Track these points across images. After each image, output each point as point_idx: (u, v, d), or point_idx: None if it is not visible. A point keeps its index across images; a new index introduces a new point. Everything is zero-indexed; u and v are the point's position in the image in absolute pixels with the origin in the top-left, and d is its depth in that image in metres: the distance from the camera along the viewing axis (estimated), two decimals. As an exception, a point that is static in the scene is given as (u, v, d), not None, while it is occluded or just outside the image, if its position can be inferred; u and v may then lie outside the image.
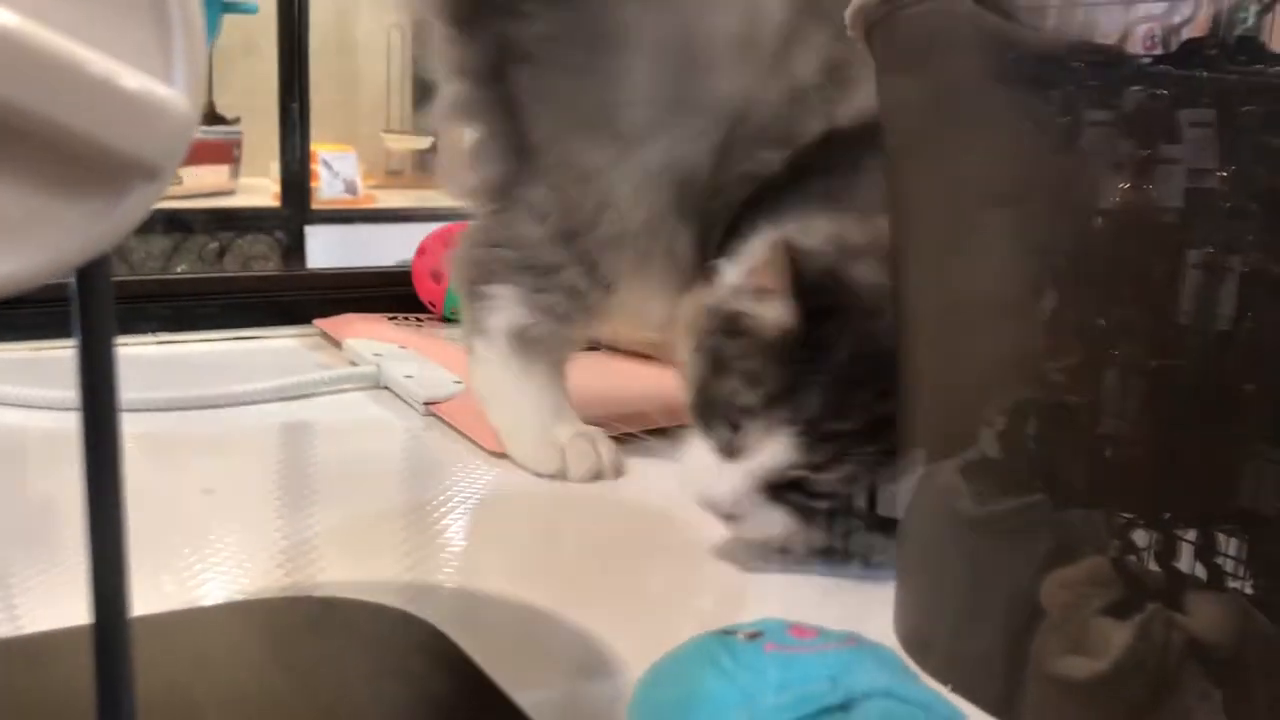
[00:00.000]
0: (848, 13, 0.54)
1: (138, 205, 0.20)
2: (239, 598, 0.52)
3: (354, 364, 0.92)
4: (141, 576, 0.25)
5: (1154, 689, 0.47)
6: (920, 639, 0.55)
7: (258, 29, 2.20)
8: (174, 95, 0.20)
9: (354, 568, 0.57)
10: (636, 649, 0.48)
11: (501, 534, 0.67)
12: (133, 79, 0.19)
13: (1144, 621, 0.47)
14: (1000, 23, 0.49)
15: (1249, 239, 0.43)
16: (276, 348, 1.01)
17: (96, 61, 0.18)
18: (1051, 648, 0.49)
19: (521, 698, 0.43)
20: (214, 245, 2.24)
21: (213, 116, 2.41)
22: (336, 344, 1.00)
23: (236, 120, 2.48)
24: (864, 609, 0.59)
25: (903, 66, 0.54)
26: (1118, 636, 0.47)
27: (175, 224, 2.18)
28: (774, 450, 0.58)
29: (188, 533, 0.59)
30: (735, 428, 0.59)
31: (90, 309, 0.22)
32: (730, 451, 0.60)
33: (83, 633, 0.24)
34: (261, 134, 2.29)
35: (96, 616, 0.24)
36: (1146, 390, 0.47)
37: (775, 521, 0.60)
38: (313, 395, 0.85)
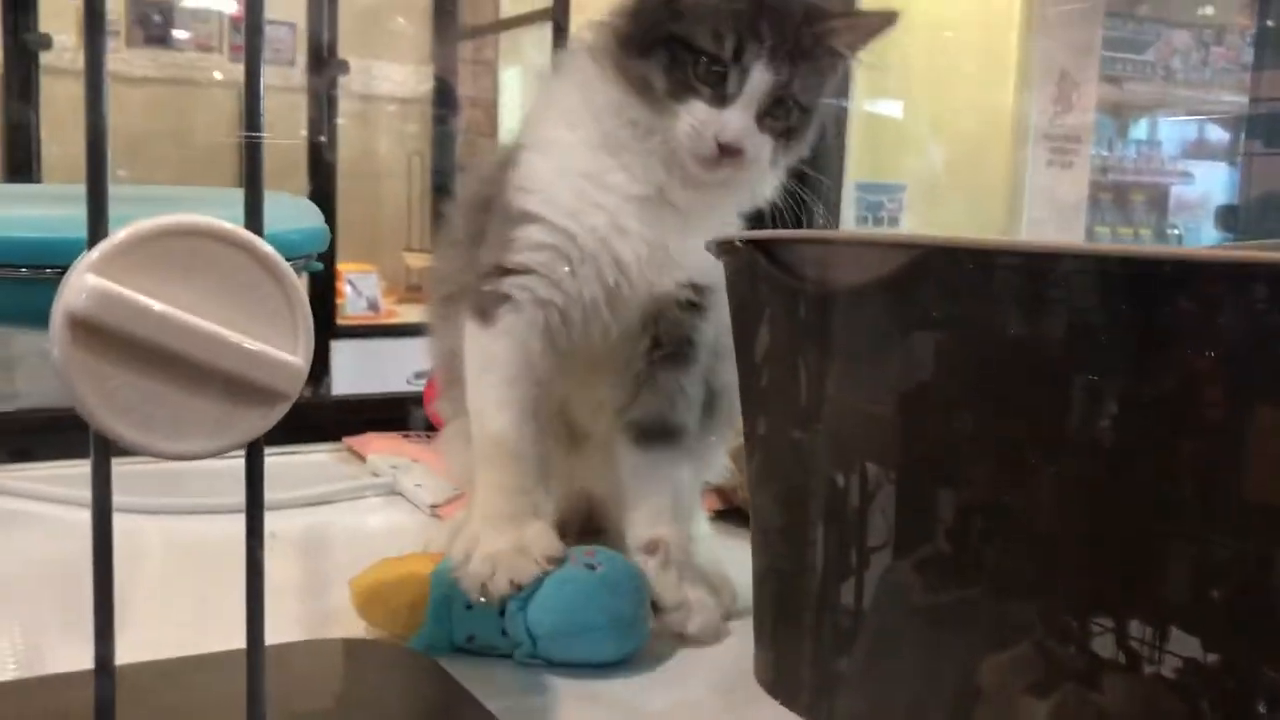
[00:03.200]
0: (707, 244, 0.67)
1: (277, 414, 0.37)
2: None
3: (375, 475, 1.07)
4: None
5: (1070, 761, 0.51)
6: (873, 716, 0.60)
7: (289, 155, 2.32)
8: (297, 360, 0.37)
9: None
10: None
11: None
12: (281, 354, 0.36)
13: (1059, 700, 0.52)
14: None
15: (1120, 364, 0.49)
16: (311, 461, 1.14)
17: (264, 348, 0.36)
18: (984, 724, 0.54)
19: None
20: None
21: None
22: (361, 458, 1.13)
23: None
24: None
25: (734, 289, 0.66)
26: (1038, 713, 0.53)
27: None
28: None
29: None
30: None
31: (253, 466, 0.38)
32: None
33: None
34: (290, 255, 2.39)
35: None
36: (1059, 496, 0.52)
37: None
38: (342, 500, 1.00)
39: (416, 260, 2.89)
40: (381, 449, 1.13)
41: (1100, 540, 0.51)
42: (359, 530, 0.96)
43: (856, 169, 2.84)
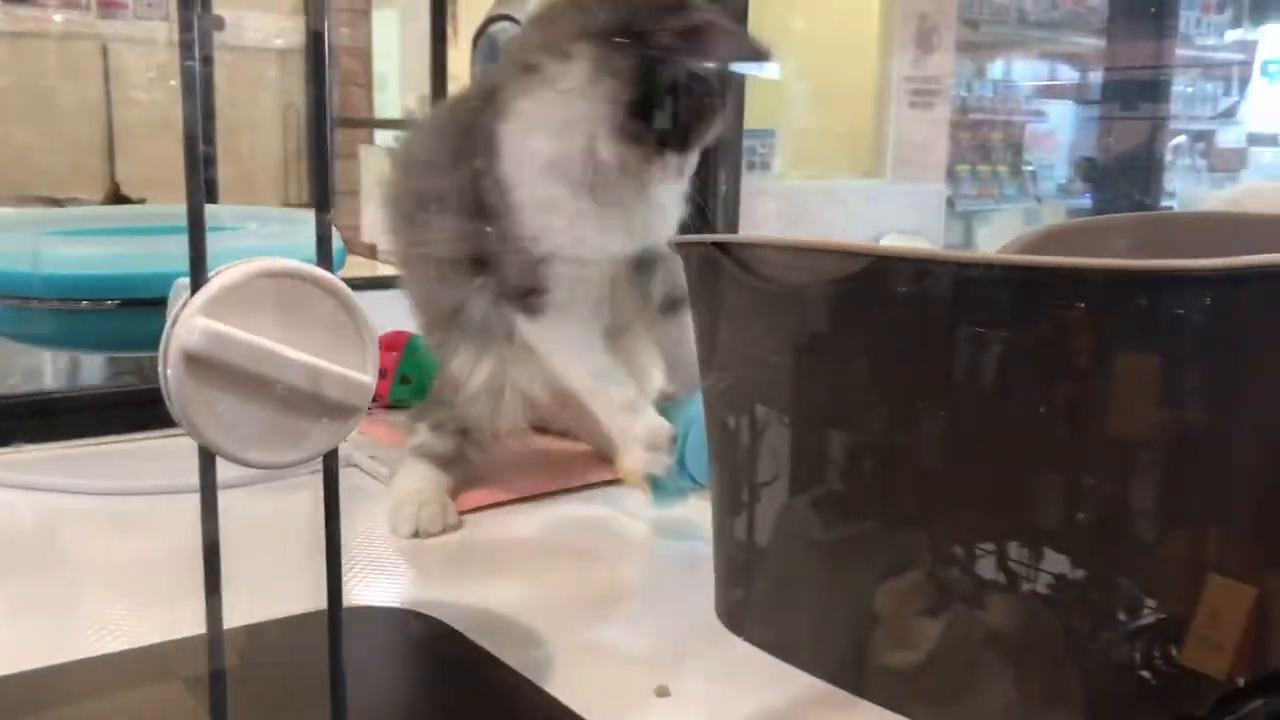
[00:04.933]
0: (670, 241, 0.76)
1: (352, 425, 0.43)
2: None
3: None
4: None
5: (959, 672, 0.59)
6: (782, 643, 0.67)
7: (159, 111, 2.28)
8: (367, 379, 0.43)
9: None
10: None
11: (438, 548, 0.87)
12: (354, 373, 0.43)
13: (950, 619, 0.59)
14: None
15: (1001, 318, 0.56)
16: None
17: (341, 370, 0.42)
18: (883, 644, 0.62)
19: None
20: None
21: (117, 196, 2.47)
22: None
23: (142, 201, 2.55)
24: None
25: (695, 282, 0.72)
26: (930, 632, 0.60)
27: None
28: None
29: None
30: None
31: (329, 469, 0.45)
32: None
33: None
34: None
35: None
36: (944, 434, 0.59)
37: None
38: (300, 475, 0.98)
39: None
40: None
41: (982, 474, 0.58)
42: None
43: (729, 114, 2.89)
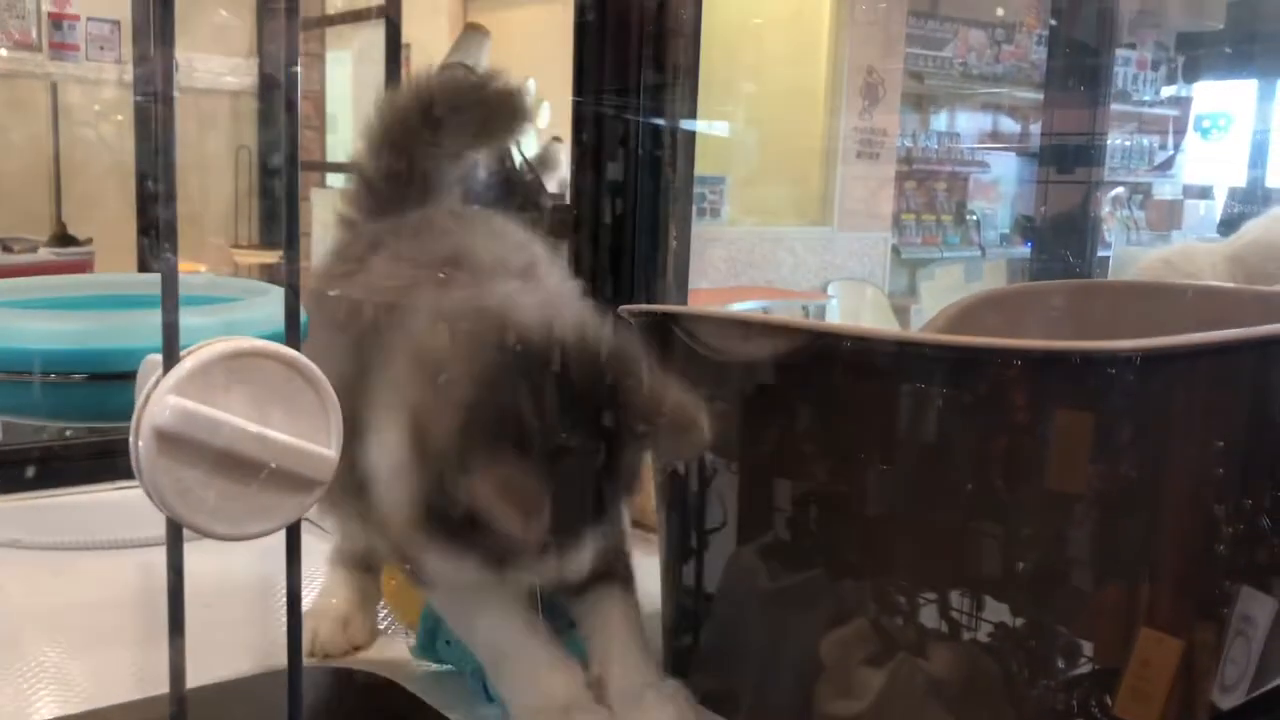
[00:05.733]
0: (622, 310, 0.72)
1: (314, 498, 0.44)
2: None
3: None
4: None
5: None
6: (725, 693, 0.67)
7: (107, 151, 2.26)
8: (330, 452, 0.44)
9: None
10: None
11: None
12: (317, 449, 0.44)
13: (894, 668, 0.60)
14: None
15: (940, 376, 0.58)
16: None
17: (309, 446, 0.43)
18: (827, 694, 0.63)
19: None
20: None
21: (64, 238, 2.45)
22: None
23: (88, 241, 2.52)
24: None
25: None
26: (874, 681, 0.61)
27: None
28: None
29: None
30: None
31: (293, 538, 0.45)
32: None
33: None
34: (109, 253, 2.33)
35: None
36: (885, 487, 0.60)
37: None
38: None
39: (246, 257, 2.84)
40: None
41: (924, 525, 0.59)
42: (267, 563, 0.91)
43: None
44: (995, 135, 4.68)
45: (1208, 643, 0.53)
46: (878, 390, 0.60)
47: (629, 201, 0.88)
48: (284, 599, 0.45)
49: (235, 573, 0.84)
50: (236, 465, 0.42)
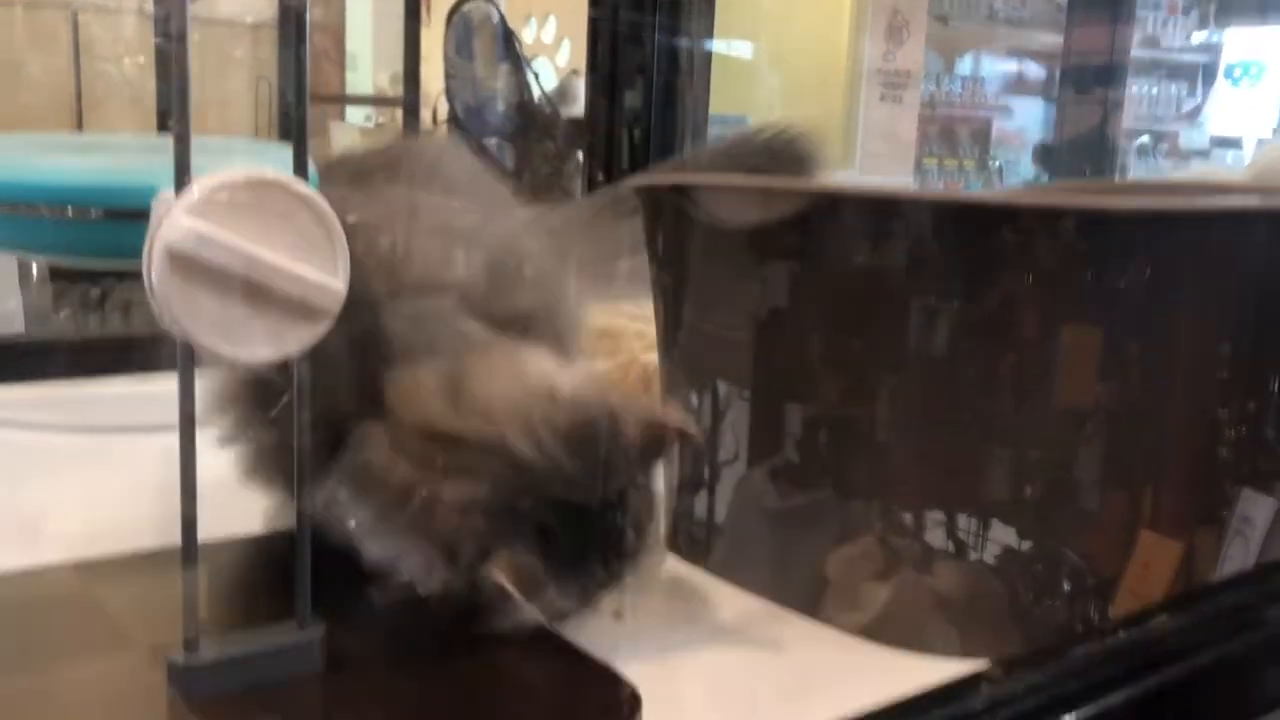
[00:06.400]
0: (630, 184, 0.75)
1: (323, 328, 0.46)
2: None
3: None
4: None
5: (906, 633, 0.61)
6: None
7: (128, 86, 2.26)
8: (338, 284, 0.46)
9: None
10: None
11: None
12: (327, 279, 0.46)
13: (898, 583, 0.62)
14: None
15: (951, 289, 0.58)
16: None
17: (317, 275, 0.45)
18: (833, 607, 0.64)
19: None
20: (96, 291, 2.29)
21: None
22: None
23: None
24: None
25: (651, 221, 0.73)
26: (879, 595, 0.62)
27: (57, 274, 2.22)
28: None
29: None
30: None
31: (299, 372, 0.47)
32: None
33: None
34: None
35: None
36: (897, 405, 0.61)
37: None
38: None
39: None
40: None
41: (933, 446, 0.60)
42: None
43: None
44: (1020, 81, 4.62)
45: (1207, 545, 0.53)
46: (884, 284, 0.59)
47: (644, 127, 0.88)
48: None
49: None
50: (246, 289, 0.44)
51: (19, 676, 0.52)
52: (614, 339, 1.00)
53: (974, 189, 4.60)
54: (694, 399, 0.70)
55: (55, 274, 2.19)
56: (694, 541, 0.72)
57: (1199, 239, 0.56)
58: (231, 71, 2.83)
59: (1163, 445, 0.55)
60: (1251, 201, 0.58)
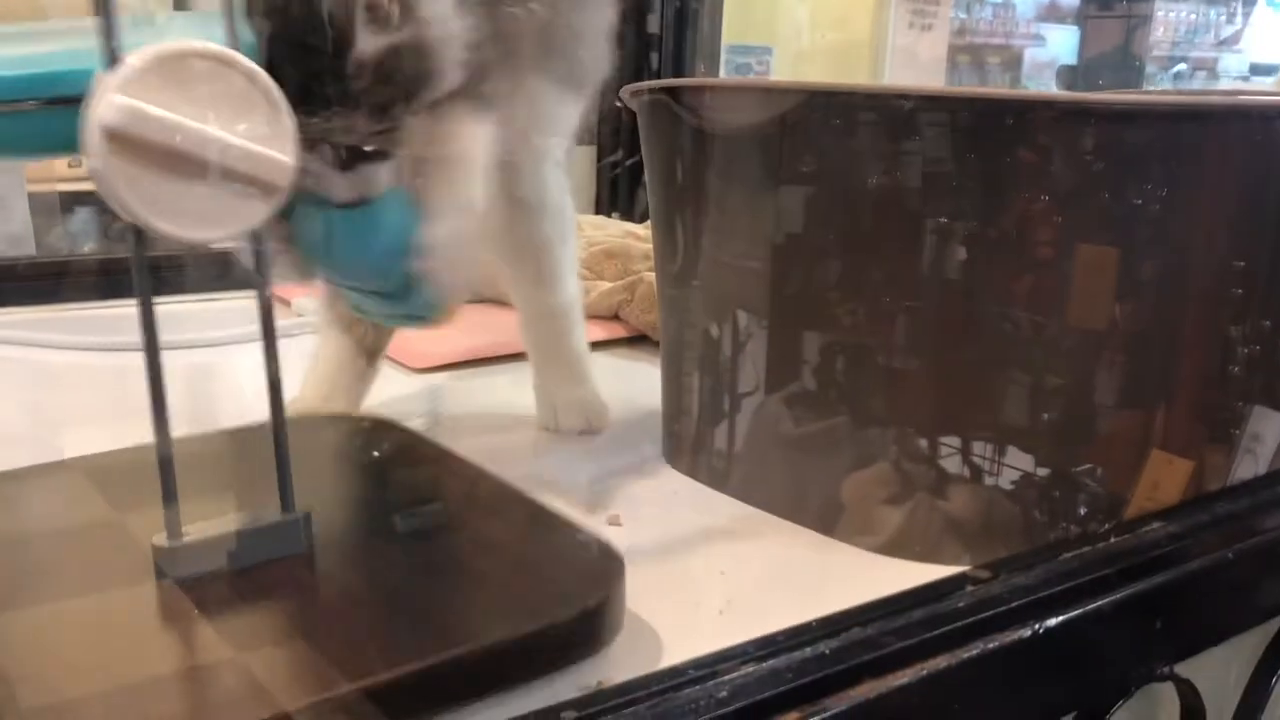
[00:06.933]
0: (622, 92, 0.74)
1: (275, 204, 0.45)
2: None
3: (301, 315, 1.12)
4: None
5: (919, 554, 0.61)
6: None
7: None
8: (285, 158, 0.44)
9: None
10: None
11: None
12: (275, 153, 0.44)
13: (912, 507, 0.62)
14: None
15: (966, 209, 0.57)
16: (238, 306, 1.15)
17: (263, 150, 0.44)
18: (847, 529, 0.64)
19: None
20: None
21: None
22: (286, 303, 1.16)
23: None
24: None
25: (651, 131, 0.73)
26: (893, 518, 0.62)
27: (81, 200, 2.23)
28: None
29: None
30: None
31: (260, 257, 0.49)
32: None
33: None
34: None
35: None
36: (912, 330, 0.61)
37: None
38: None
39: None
40: (300, 293, 1.16)
41: (949, 370, 0.60)
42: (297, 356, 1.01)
43: (726, 31, 2.88)
44: (1054, 7, 4.53)
45: (1217, 463, 0.53)
46: (898, 211, 0.59)
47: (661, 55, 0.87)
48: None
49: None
50: (190, 166, 0.42)
51: (19, 559, 0.53)
52: (622, 259, 1.00)
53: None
54: (715, 330, 0.70)
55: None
56: (713, 469, 0.72)
57: (1216, 147, 0.55)
58: None
59: (1176, 365, 0.54)
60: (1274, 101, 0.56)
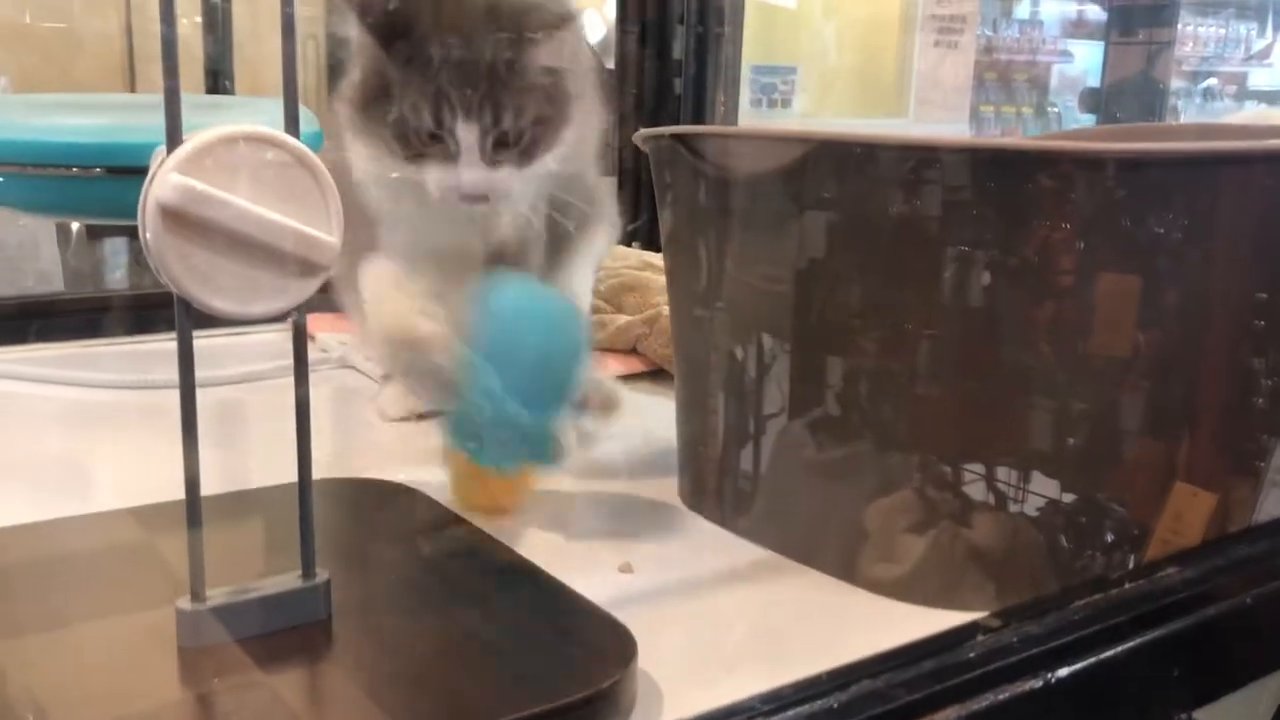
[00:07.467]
0: (635, 137, 0.75)
1: (317, 282, 0.47)
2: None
3: (325, 351, 1.14)
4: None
5: (942, 584, 0.61)
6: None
7: (183, 46, 2.27)
8: (332, 239, 0.47)
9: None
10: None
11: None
12: (320, 234, 0.46)
13: (935, 536, 0.61)
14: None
15: (988, 238, 0.57)
16: (264, 340, 1.17)
17: (311, 231, 0.46)
18: (869, 558, 0.63)
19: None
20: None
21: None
22: (311, 337, 1.16)
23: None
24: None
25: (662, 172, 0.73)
26: (916, 548, 0.62)
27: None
28: None
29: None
30: None
31: (299, 328, 0.49)
32: None
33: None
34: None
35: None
36: (935, 356, 0.60)
37: None
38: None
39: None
40: (327, 328, 1.17)
41: (972, 397, 0.59)
42: (324, 397, 1.03)
43: (750, 51, 2.88)
44: (1081, 24, 4.52)
45: (1243, 497, 0.52)
46: (921, 240, 0.59)
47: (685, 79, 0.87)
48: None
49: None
50: (240, 245, 0.44)
51: (41, 620, 0.53)
52: (640, 292, 1.00)
53: (1032, 136, 4.51)
54: (739, 353, 0.70)
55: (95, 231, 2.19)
56: (730, 504, 0.72)
57: (1238, 185, 0.54)
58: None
59: (1198, 394, 0.54)
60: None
